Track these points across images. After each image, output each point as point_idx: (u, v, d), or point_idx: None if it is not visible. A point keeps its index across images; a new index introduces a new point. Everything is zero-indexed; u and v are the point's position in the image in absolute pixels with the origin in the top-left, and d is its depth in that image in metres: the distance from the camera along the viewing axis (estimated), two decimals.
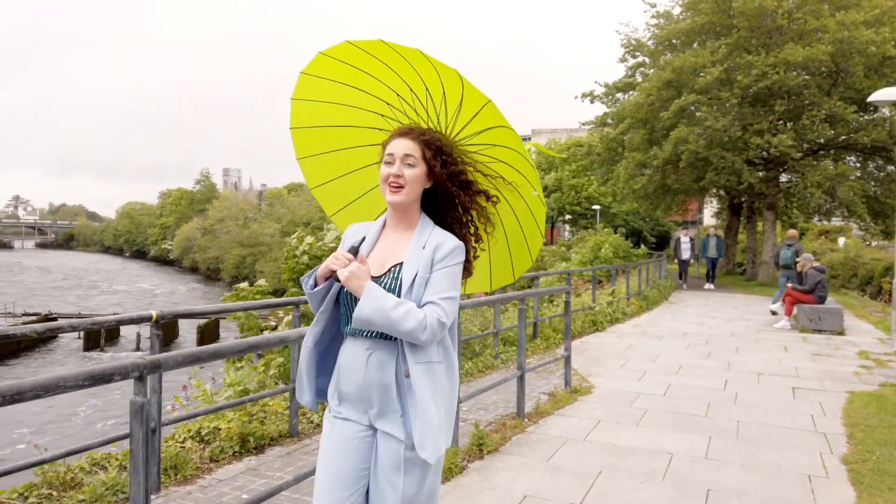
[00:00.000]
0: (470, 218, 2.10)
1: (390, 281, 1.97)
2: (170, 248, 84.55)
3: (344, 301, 2.01)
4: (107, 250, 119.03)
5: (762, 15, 17.96)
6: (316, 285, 2.01)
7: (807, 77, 18.41)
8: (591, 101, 24.83)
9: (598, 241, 19.43)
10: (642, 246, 30.96)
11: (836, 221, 34.96)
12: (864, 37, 16.58)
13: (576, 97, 25.24)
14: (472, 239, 2.11)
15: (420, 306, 1.91)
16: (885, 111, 9.35)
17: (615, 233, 23.85)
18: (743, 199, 24.76)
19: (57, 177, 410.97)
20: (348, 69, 2.14)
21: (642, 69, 23.96)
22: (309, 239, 9.27)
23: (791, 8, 18.11)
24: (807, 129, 18.44)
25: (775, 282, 20.18)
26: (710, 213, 42.04)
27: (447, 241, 1.99)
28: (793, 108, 19.15)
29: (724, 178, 20.22)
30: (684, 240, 19.52)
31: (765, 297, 16.35)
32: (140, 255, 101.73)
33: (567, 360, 6.39)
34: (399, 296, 1.93)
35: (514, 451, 4.62)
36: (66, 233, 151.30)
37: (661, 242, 45.34)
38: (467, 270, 2.09)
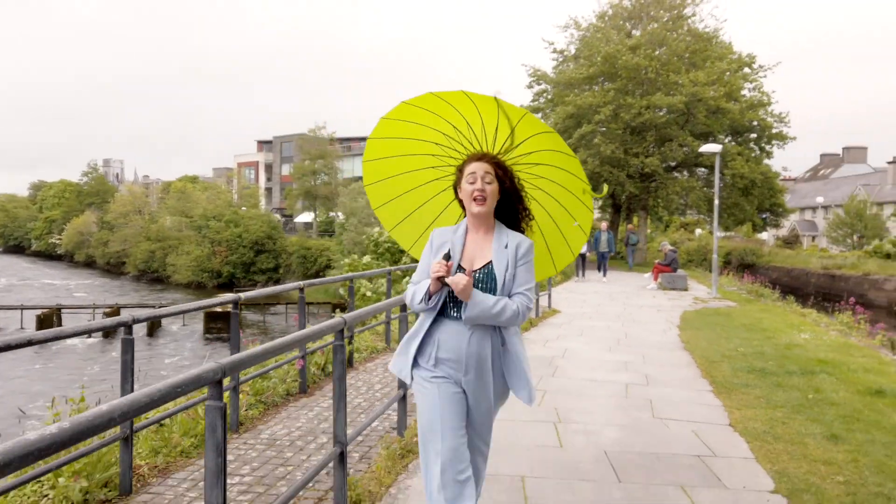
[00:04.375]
0: (524, 218, 2.70)
1: (483, 276, 2.52)
2: (57, 242, 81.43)
3: (449, 294, 2.55)
4: None
5: (638, 69, 24.85)
6: (430, 298, 2.51)
7: (668, 116, 25.59)
8: None
9: None
10: None
11: (692, 216, 43.90)
12: (706, 92, 23.86)
13: None
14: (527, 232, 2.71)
15: (510, 296, 2.51)
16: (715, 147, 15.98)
17: None
18: (622, 200, 32.05)
19: None
20: (407, 125, 2.71)
21: (546, 95, 30.64)
22: (386, 234, 14.49)
23: (658, 66, 25.19)
24: (668, 153, 25.74)
25: (647, 264, 27.27)
26: (595, 208, 50.10)
27: (523, 242, 2.57)
28: (659, 137, 26.41)
29: (611, 187, 27.18)
30: None
31: (640, 274, 23.10)
32: (17, 249, 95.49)
33: (549, 295, 12.28)
34: (494, 289, 2.51)
35: (543, 326, 10.44)
36: None
37: None
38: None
